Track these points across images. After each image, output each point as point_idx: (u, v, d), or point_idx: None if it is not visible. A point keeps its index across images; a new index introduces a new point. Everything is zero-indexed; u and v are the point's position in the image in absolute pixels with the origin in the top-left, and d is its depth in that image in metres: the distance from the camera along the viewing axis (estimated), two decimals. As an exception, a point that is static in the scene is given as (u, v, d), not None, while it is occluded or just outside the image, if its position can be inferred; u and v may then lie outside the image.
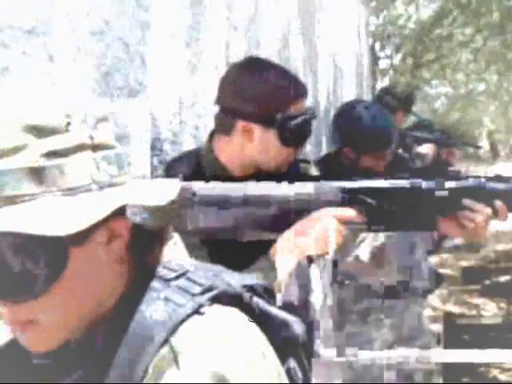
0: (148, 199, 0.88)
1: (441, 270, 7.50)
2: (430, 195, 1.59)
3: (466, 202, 1.59)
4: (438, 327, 5.61)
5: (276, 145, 1.69)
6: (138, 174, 0.98)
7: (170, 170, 1.80)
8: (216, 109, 1.76)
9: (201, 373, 0.79)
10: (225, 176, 1.66)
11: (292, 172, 1.81)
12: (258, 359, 0.86)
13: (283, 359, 0.96)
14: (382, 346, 2.69)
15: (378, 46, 12.07)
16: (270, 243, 1.50)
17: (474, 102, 13.99)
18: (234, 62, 1.82)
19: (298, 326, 1.00)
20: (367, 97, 6.65)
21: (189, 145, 2.38)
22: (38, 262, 0.80)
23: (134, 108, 2.00)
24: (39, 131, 0.81)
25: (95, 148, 0.86)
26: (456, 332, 5.50)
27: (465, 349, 4.99)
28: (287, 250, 1.46)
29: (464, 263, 7.95)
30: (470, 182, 1.63)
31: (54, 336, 0.87)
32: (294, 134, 1.70)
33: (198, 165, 1.78)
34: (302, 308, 1.34)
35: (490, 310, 6.07)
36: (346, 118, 2.66)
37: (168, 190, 0.93)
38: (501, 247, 8.51)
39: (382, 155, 2.62)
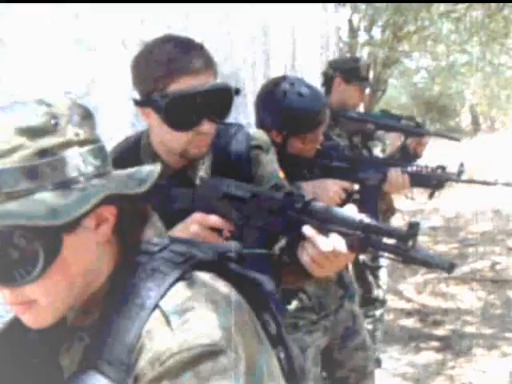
0: (130, 187, 1.01)
1: None
2: (282, 215, 1.46)
3: (306, 230, 1.35)
4: (410, 322, 5.38)
5: (165, 128, 1.58)
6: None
7: (114, 150, 1.76)
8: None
9: (189, 330, 0.94)
10: (156, 161, 1.53)
11: (239, 158, 1.73)
12: (237, 313, 1.00)
13: (259, 314, 1.13)
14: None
15: (356, 18, 11.68)
16: None
17: (455, 74, 13.57)
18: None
19: (268, 284, 1.14)
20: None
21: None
22: (36, 248, 0.92)
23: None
24: (31, 133, 0.93)
25: (81, 143, 0.99)
26: (428, 328, 5.19)
27: (437, 350, 4.75)
28: None
29: (441, 247, 7.60)
30: (328, 208, 1.38)
31: (53, 313, 0.99)
32: (172, 115, 1.54)
33: (136, 148, 1.74)
34: None
35: (468, 302, 5.69)
36: (270, 96, 2.42)
37: (146, 176, 1.05)
38: (479, 228, 8.13)
39: (311, 137, 2.44)
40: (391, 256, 1.31)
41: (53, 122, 0.96)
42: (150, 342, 0.94)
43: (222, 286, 1.06)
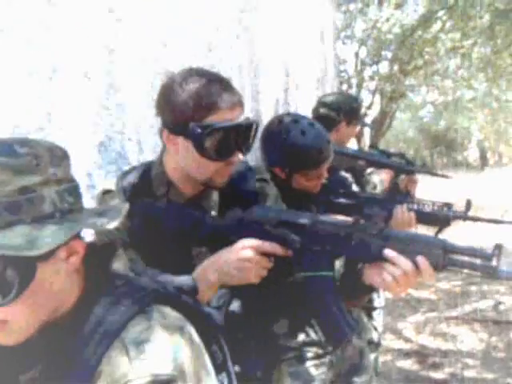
0: (100, 224, 1.11)
1: (418, 293, 7.16)
2: (354, 240, 1.57)
3: (388, 252, 1.51)
4: (407, 364, 5.21)
5: (196, 156, 1.64)
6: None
7: (121, 181, 1.77)
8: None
9: (145, 360, 1.03)
10: (170, 189, 1.73)
11: (246, 190, 1.82)
12: (189, 345, 1.11)
13: (208, 345, 1.22)
14: None
15: (364, 52, 11.68)
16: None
17: (462, 109, 13.55)
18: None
19: (217, 317, 1.34)
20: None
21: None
22: (12, 275, 1.01)
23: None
24: (14, 171, 1.02)
25: (58, 182, 1.09)
26: (426, 371, 5.03)
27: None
28: (210, 272, 1.60)
29: (444, 284, 7.45)
30: (399, 231, 1.56)
31: (22, 333, 1.08)
32: (209, 145, 1.62)
33: (146, 176, 1.76)
34: None
35: (469, 343, 5.53)
36: (273, 133, 2.43)
37: (116, 214, 1.15)
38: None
39: (316, 174, 2.41)
40: (476, 274, 1.46)
41: (34, 162, 1.05)
42: (108, 368, 1.03)
43: (178, 320, 1.15)
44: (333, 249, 1.62)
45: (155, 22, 2.43)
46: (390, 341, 5.57)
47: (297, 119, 2.42)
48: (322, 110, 3.49)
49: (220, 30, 2.97)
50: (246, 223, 1.70)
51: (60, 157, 1.12)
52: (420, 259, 1.47)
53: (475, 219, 3.08)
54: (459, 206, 3.02)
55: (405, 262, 1.49)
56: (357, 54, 11.60)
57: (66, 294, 1.13)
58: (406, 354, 5.40)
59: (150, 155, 2.29)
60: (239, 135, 1.67)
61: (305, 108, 4.01)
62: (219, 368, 1.26)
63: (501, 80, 11.59)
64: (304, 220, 1.66)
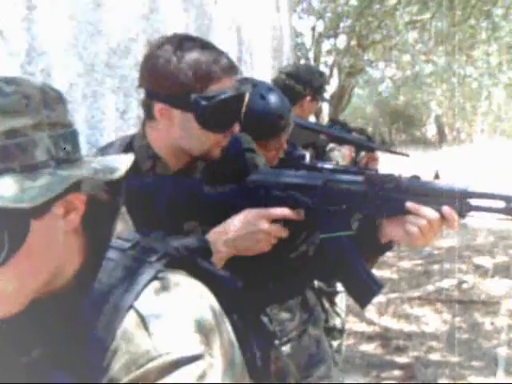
0: (102, 174, 0.97)
1: (379, 273, 7.00)
2: (369, 195, 1.54)
3: (410, 205, 1.50)
4: (371, 348, 5.05)
5: (197, 128, 1.59)
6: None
7: (101, 153, 1.70)
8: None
9: (167, 334, 0.91)
10: (156, 163, 1.65)
11: (233, 159, 1.73)
12: (212, 314, 0.99)
13: (228, 313, 1.08)
14: None
15: (321, 25, 11.48)
16: None
17: (420, 84, 13.46)
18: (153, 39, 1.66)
19: (236, 281, 1.15)
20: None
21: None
22: (1, 233, 0.86)
23: None
24: (1, 110, 0.88)
25: (52, 126, 0.94)
26: (390, 355, 4.87)
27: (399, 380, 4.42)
28: (220, 244, 1.54)
29: (405, 263, 7.32)
30: (416, 181, 1.54)
31: (13, 303, 0.93)
32: (213, 116, 1.57)
33: (129, 150, 1.64)
34: None
35: (433, 325, 5.38)
36: None
37: (119, 163, 1.02)
38: (446, 243, 7.87)
39: (274, 144, 2.29)
40: (502, 217, 1.43)
41: (23, 101, 0.91)
42: (125, 344, 0.92)
43: (196, 286, 1.03)
44: (349, 207, 1.59)
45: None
46: (352, 323, 5.42)
47: (255, 83, 2.23)
48: (288, 82, 3.28)
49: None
50: (251, 190, 1.65)
51: (54, 98, 0.97)
52: (445, 208, 1.47)
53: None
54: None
55: (430, 212, 1.48)
56: (314, 28, 11.38)
57: (65, 259, 0.99)
58: (369, 338, 5.25)
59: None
60: (239, 104, 1.64)
61: (260, 76, 3.74)
62: (241, 340, 1.14)
63: (460, 54, 11.50)
64: (314, 181, 1.62)
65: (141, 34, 2.35)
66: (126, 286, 0.96)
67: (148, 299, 0.95)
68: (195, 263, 1.10)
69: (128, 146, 1.70)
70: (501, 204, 1.44)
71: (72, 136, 1.00)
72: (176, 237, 1.36)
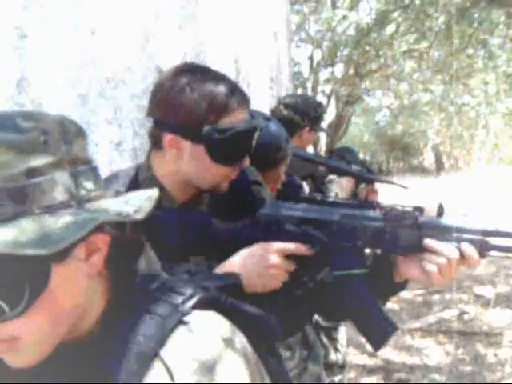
0: (126, 214, 0.91)
1: None
2: (387, 232, 1.49)
3: (428, 242, 1.45)
4: (372, 381, 4.94)
5: (207, 161, 1.56)
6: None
7: (105, 186, 1.52)
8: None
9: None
10: (162, 195, 1.51)
11: (240, 193, 1.70)
12: (244, 361, 0.93)
13: (262, 355, 1.03)
14: None
15: (319, 54, 11.52)
16: None
17: (418, 113, 13.51)
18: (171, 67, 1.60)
19: (272, 320, 1.07)
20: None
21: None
22: (21, 280, 0.82)
23: None
24: (18, 150, 0.84)
25: (72, 163, 0.90)
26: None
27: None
28: None
29: (405, 294, 7.23)
30: (434, 219, 1.50)
31: (36, 353, 0.89)
32: (224, 149, 1.55)
33: (134, 182, 1.63)
34: None
35: (435, 357, 5.29)
36: None
37: (143, 201, 0.96)
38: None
39: (273, 176, 2.27)
40: None
41: (42, 138, 0.87)
42: None
43: (227, 330, 0.96)
44: (364, 244, 1.53)
45: (82, 7, 2.07)
46: (353, 356, 5.32)
47: (252, 114, 2.15)
48: (286, 112, 3.26)
49: (159, 18, 2.61)
50: (262, 224, 1.59)
51: (74, 133, 0.94)
52: (465, 246, 1.42)
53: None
54: (431, 211, 2.75)
55: (450, 250, 1.42)
56: (311, 57, 11.42)
57: (89, 304, 0.95)
58: (371, 371, 5.15)
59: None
60: (250, 138, 1.61)
61: (257, 107, 3.70)
62: (274, 376, 1.09)
63: (457, 83, 11.54)
64: (330, 215, 1.56)
65: (136, 63, 2.30)
66: (152, 332, 0.91)
67: (174, 347, 0.90)
68: (225, 302, 1.03)
69: (134, 178, 1.65)
70: None
71: (93, 172, 0.96)
72: (203, 272, 1.31)
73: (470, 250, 1.41)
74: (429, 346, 5.60)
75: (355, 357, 5.40)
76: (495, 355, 5.30)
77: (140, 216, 0.93)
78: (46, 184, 0.86)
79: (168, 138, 1.55)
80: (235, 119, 1.54)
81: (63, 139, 0.91)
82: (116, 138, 2.08)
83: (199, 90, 1.51)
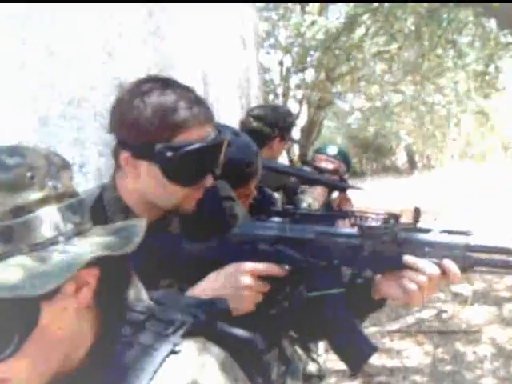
0: (116, 248, 0.90)
1: None
2: (365, 249, 1.44)
3: (408, 259, 1.39)
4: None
5: (163, 182, 1.46)
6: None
7: None
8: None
9: None
10: (128, 216, 1.50)
11: (212, 210, 1.63)
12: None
13: (252, 378, 1.03)
14: None
15: (289, 60, 11.56)
16: None
17: (389, 114, 13.58)
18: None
19: (260, 342, 1.07)
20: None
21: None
22: (10, 321, 0.81)
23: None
24: (3, 188, 0.82)
25: (59, 198, 0.89)
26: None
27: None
28: None
29: (384, 296, 7.23)
30: (415, 235, 1.43)
31: None
32: (179, 169, 1.44)
33: (98, 202, 1.54)
34: None
35: (415, 358, 5.30)
36: None
37: (131, 233, 0.96)
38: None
39: (243, 192, 2.17)
40: (501, 271, 1.37)
41: (28, 174, 0.86)
42: None
43: (217, 355, 0.97)
44: (341, 262, 1.47)
45: (36, 23, 2.04)
46: (332, 361, 5.29)
47: (218, 129, 2.11)
48: (256, 124, 3.21)
49: (122, 34, 2.58)
50: (234, 244, 1.53)
51: (59, 166, 0.92)
52: (447, 262, 1.37)
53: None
54: (406, 211, 2.75)
55: (430, 266, 1.37)
56: (281, 63, 11.44)
57: (79, 338, 0.93)
58: (351, 376, 5.13)
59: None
60: (211, 156, 1.51)
61: (227, 118, 3.68)
62: None
63: (428, 83, 11.64)
64: (305, 234, 1.50)
65: (99, 80, 2.27)
66: (142, 364, 0.89)
67: (164, 378, 0.88)
68: (215, 328, 1.03)
69: (98, 198, 1.56)
70: (504, 257, 1.36)
71: (80, 205, 0.94)
72: (183, 296, 1.32)
73: (453, 268, 1.37)
74: (408, 347, 5.62)
75: (335, 363, 5.39)
76: (474, 353, 5.34)
77: (130, 249, 0.92)
78: (33, 221, 0.85)
79: (123, 156, 1.47)
80: (194, 136, 1.44)
81: (49, 174, 0.90)
82: (79, 160, 2.05)
83: (152, 106, 1.42)
